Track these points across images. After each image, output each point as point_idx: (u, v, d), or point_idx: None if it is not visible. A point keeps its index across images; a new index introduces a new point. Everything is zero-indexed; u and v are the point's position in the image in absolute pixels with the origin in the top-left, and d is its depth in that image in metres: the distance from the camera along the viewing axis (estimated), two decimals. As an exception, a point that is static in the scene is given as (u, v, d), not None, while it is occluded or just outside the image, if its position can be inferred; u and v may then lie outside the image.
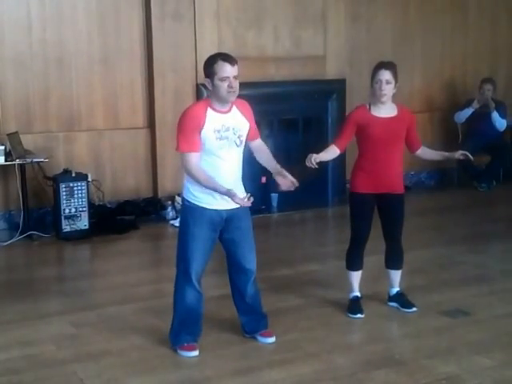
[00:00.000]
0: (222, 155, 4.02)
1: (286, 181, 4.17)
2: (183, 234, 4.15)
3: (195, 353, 4.17)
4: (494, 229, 7.29)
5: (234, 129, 4.04)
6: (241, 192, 4.11)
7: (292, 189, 4.19)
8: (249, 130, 4.15)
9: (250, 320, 4.39)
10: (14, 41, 7.00)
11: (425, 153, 4.83)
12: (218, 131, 3.98)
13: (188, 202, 4.11)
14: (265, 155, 4.32)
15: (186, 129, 3.96)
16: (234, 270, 4.29)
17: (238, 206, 4.04)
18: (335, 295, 5.10)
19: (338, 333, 4.58)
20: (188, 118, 3.98)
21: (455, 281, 5.50)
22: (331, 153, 4.70)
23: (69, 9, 7.16)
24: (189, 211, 4.11)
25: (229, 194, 3.91)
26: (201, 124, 3.94)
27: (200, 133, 3.95)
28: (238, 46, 7.60)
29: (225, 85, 3.91)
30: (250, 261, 4.25)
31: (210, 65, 3.95)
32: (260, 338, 4.37)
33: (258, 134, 4.31)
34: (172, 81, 7.48)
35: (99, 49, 7.33)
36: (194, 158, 3.97)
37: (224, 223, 4.13)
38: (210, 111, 3.98)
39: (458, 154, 4.72)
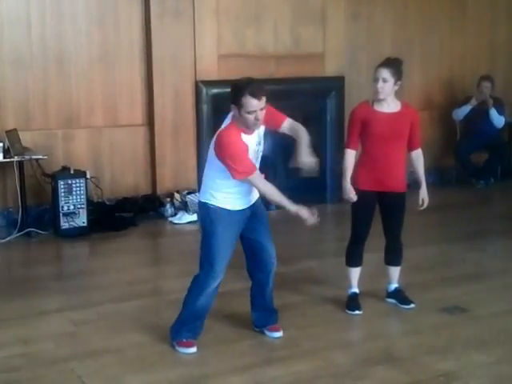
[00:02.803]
0: None
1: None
2: (209, 235, 4.12)
3: (193, 349, 4.18)
4: (492, 226, 7.30)
5: (261, 141, 4.13)
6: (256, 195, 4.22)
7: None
8: (265, 128, 4.16)
9: (263, 315, 4.44)
10: (13, 38, 6.98)
11: (413, 160, 4.80)
12: (256, 151, 4.08)
13: (212, 204, 4.10)
14: (300, 131, 4.20)
15: (239, 153, 3.94)
16: (256, 265, 4.31)
17: (256, 199, 4.18)
18: (333, 292, 5.11)
19: (336, 330, 4.59)
20: (234, 144, 3.95)
21: (454, 277, 5.51)
22: (352, 160, 4.72)
23: (68, 6, 7.14)
24: (214, 213, 4.10)
25: (300, 212, 3.99)
26: (246, 147, 3.99)
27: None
28: (238, 44, 7.62)
29: (251, 117, 3.93)
30: (272, 253, 4.29)
31: (237, 96, 3.92)
32: (267, 333, 4.41)
33: (282, 116, 4.21)
34: (171, 78, 7.47)
35: (98, 46, 7.32)
36: (258, 177, 4.00)
37: (247, 220, 4.18)
38: (244, 136, 3.99)
39: (420, 200, 4.76)
